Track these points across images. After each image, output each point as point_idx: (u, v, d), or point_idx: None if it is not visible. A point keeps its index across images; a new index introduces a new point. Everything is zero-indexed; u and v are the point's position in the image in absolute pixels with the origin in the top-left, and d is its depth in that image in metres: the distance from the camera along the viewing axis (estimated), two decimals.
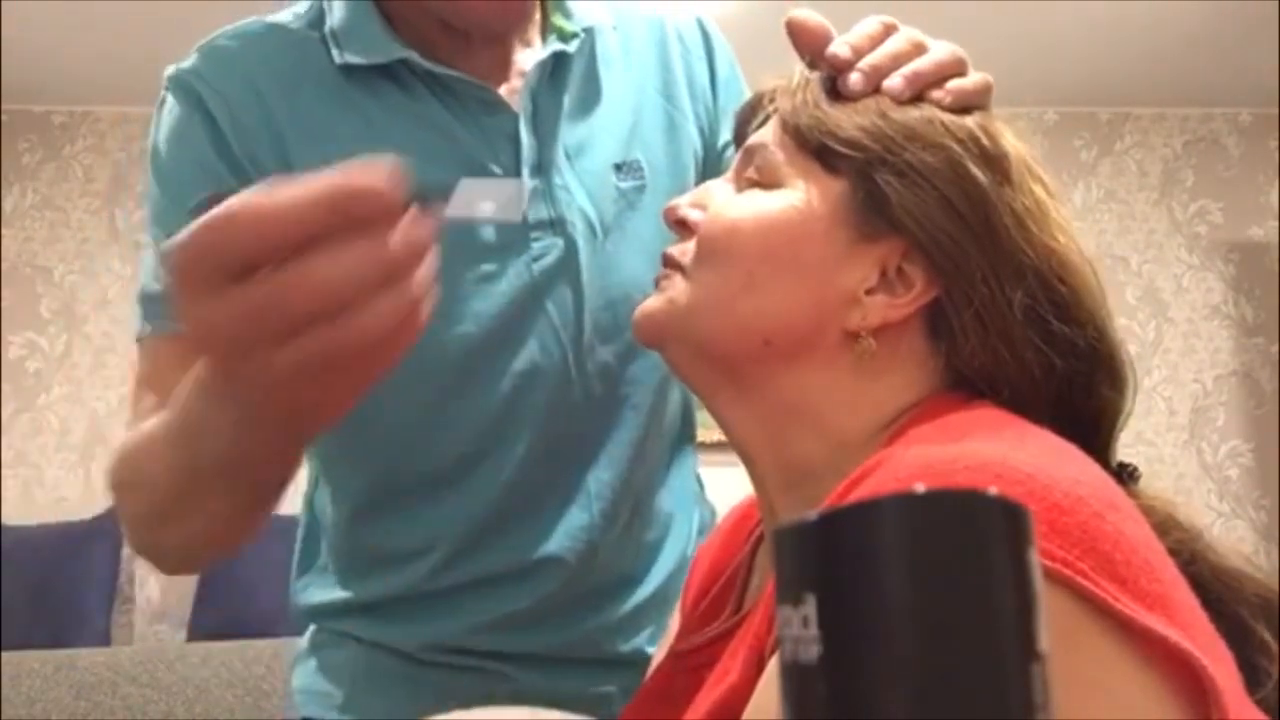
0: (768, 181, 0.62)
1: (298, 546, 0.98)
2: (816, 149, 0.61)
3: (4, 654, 2.18)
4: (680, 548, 0.96)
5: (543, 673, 0.90)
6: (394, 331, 0.45)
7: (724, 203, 0.63)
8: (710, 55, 0.97)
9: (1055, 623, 0.43)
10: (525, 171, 0.83)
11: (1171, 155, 4.02)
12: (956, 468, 0.45)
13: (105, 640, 3.05)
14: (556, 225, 0.84)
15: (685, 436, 1.00)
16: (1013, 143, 0.61)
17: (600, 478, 0.88)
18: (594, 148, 0.88)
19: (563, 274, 0.84)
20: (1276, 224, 3.98)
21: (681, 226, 0.66)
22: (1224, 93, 3.87)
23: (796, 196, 0.60)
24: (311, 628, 0.96)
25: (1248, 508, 3.80)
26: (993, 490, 0.24)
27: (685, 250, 0.64)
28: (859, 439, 0.59)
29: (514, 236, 0.83)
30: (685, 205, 0.66)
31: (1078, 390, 0.58)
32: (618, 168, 0.88)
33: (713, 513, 1.03)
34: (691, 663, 0.66)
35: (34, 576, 3.04)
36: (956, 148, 0.58)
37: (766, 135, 0.64)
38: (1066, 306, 0.58)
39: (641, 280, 0.88)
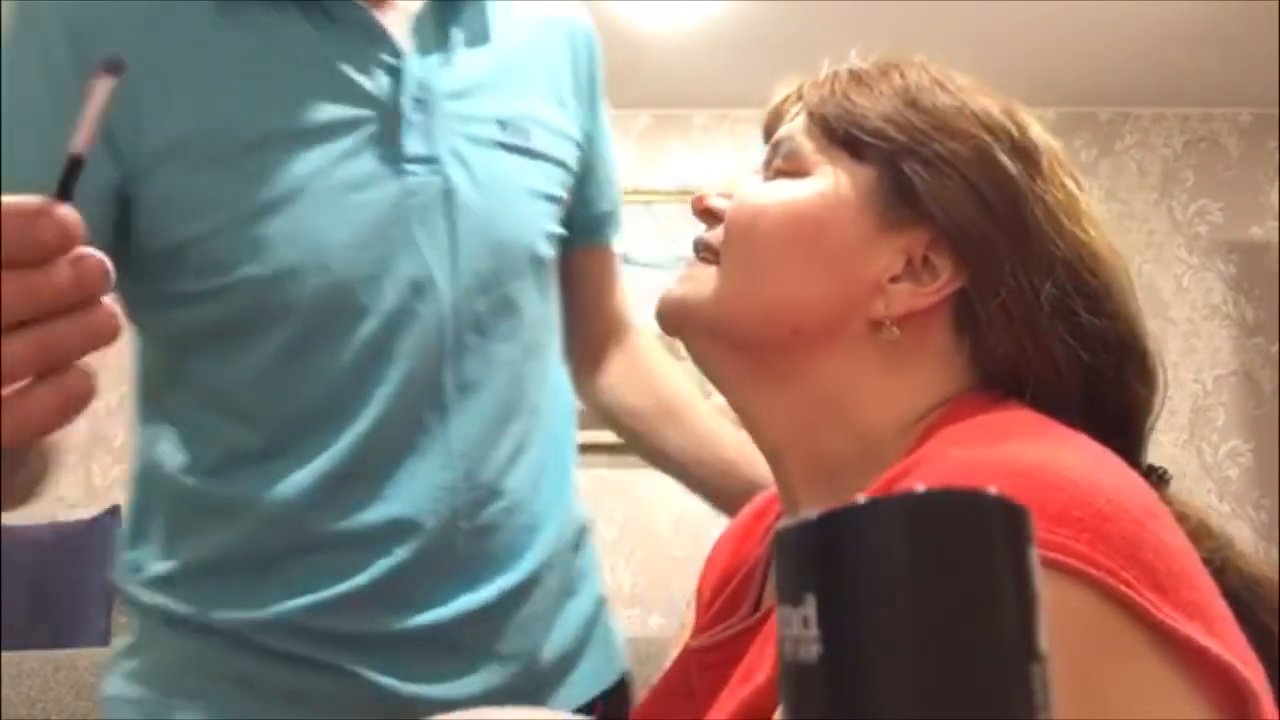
0: (795, 170, 0.62)
1: (128, 525, 0.88)
2: (844, 138, 0.60)
3: (4, 654, 2.18)
4: (551, 543, 0.90)
5: (396, 667, 0.80)
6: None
7: (751, 190, 0.63)
8: (594, 67, 1.00)
9: (1100, 632, 0.43)
10: (405, 104, 0.82)
11: (1171, 155, 4.02)
12: (999, 471, 0.45)
13: (105, 640, 3.05)
14: (433, 163, 0.83)
15: (565, 432, 0.96)
16: (1041, 134, 0.61)
17: (466, 435, 0.83)
18: (479, 95, 0.87)
19: (438, 212, 0.82)
20: (1276, 224, 3.98)
21: (708, 215, 0.66)
22: (1224, 93, 3.87)
23: (824, 183, 0.60)
24: (137, 625, 0.86)
25: (1248, 508, 3.80)
26: (992, 490, 0.24)
27: (716, 235, 0.64)
28: (887, 433, 0.58)
29: (387, 168, 0.81)
30: (712, 194, 0.66)
31: (1107, 385, 0.58)
32: (501, 124, 0.87)
33: (588, 519, 0.99)
34: (710, 659, 0.65)
35: (34, 576, 3.04)
36: (986, 137, 0.58)
37: (794, 128, 0.64)
38: (1097, 299, 0.57)
39: (525, 238, 0.88)
